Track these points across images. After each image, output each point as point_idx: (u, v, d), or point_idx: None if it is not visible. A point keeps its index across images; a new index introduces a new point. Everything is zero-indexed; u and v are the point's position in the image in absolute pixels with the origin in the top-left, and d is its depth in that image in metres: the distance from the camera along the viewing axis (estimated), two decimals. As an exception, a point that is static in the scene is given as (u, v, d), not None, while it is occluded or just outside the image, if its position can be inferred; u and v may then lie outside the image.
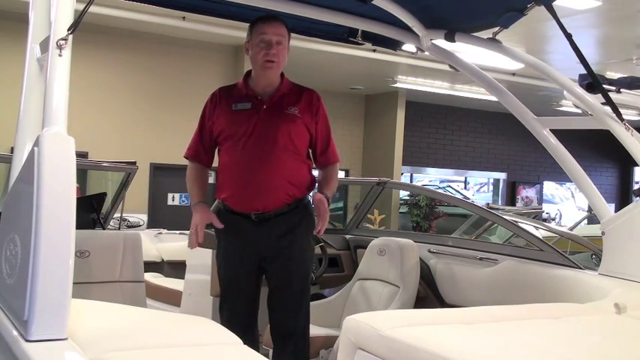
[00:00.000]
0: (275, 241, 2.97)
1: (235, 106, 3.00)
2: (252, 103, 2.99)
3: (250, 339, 2.89)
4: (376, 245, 3.92)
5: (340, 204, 13.35)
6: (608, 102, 2.88)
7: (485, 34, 3.19)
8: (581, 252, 5.57)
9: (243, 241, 3.02)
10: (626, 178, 18.32)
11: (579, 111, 3.10)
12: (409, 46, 3.62)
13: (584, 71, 2.92)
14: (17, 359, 1.45)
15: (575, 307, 2.39)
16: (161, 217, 9.72)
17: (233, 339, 1.70)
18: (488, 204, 12.41)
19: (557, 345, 1.84)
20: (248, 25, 3.02)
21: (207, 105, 3.10)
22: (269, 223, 2.96)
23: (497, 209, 5.87)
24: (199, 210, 3.03)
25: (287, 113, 2.97)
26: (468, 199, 12.02)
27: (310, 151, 3.09)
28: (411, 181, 14.66)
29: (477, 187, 16.95)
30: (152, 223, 8.87)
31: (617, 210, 2.96)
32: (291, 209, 2.99)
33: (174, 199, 10.65)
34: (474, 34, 3.26)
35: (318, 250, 4.03)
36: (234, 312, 3.04)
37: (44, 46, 1.87)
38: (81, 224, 2.66)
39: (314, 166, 3.13)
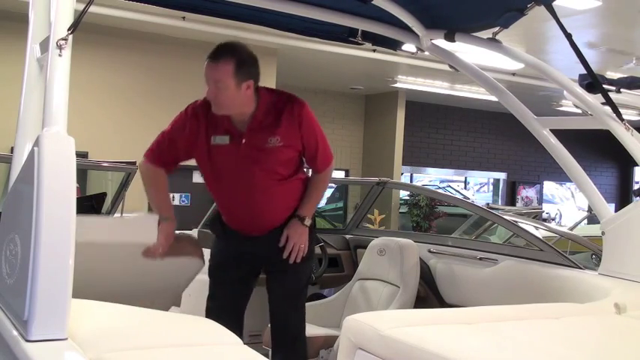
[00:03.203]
0: (274, 248, 3.00)
1: (214, 140, 2.87)
2: (230, 135, 2.85)
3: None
4: (376, 245, 3.92)
5: (340, 204, 13.35)
6: (608, 102, 2.87)
7: (485, 34, 3.19)
8: (581, 252, 5.57)
9: (239, 249, 3.06)
10: (626, 178, 18.30)
11: (579, 111, 3.10)
12: (409, 46, 3.62)
13: (584, 71, 2.92)
14: (17, 359, 1.44)
15: (575, 307, 2.39)
16: (161, 217, 9.70)
17: (233, 339, 1.69)
18: (488, 204, 12.41)
19: (557, 345, 1.83)
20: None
21: (188, 120, 2.95)
22: (268, 235, 2.99)
23: (497, 209, 5.87)
24: (165, 230, 2.93)
25: (268, 147, 2.83)
26: (468, 199, 12.00)
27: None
28: (411, 181, 14.63)
29: (477, 187, 16.93)
30: (152, 223, 8.86)
31: (617, 210, 2.96)
32: (290, 218, 3.00)
33: (174, 199, 10.63)
34: (474, 34, 3.25)
35: (318, 250, 4.04)
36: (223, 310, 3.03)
37: (44, 46, 1.86)
38: (81, 224, 2.66)
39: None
